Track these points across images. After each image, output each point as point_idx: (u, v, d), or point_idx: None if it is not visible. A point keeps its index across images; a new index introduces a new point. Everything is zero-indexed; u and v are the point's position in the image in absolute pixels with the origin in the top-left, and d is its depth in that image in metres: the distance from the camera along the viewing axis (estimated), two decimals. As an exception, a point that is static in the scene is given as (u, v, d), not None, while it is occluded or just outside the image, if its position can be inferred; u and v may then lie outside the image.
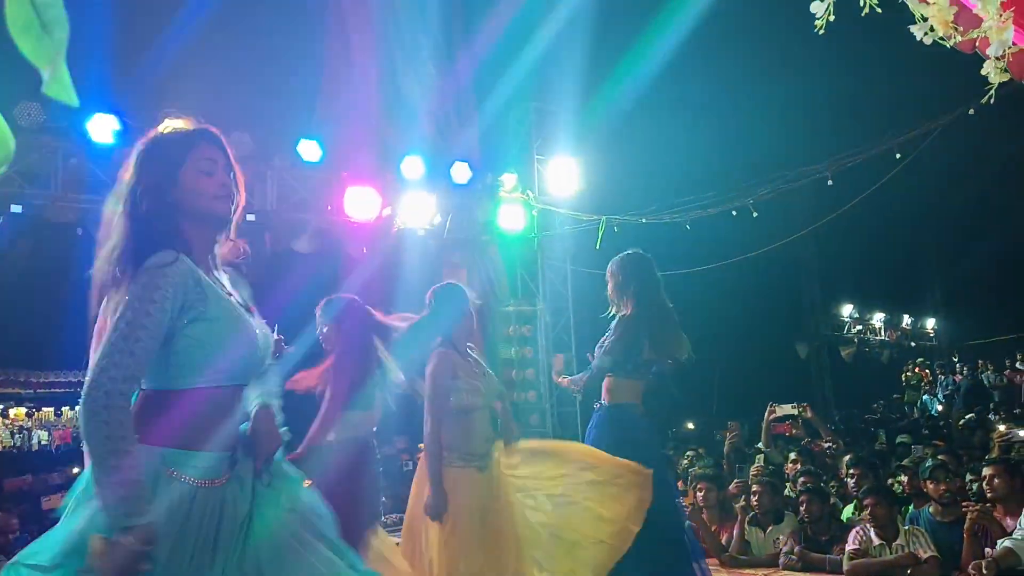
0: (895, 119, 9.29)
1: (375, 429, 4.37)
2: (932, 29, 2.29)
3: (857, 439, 11.01)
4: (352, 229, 9.20)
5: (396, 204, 9.44)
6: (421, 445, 4.33)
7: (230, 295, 2.07)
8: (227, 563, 1.86)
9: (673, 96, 13.70)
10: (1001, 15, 2.15)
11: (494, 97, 9.80)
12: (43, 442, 11.61)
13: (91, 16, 6.92)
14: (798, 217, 12.04)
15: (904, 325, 25.91)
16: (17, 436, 11.71)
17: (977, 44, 2.31)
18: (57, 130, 7.45)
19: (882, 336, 25.07)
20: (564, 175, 10.62)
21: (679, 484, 7.22)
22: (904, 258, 23.99)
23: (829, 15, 2.31)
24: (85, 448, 1.79)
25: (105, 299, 1.94)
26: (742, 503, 6.11)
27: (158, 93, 7.86)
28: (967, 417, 11.63)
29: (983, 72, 2.32)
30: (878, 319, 25.06)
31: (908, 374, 18.91)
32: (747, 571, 5.66)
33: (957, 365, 19.28)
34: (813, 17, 2.34)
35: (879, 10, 2.25)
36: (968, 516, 4.82)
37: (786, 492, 6.43)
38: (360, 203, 9.06)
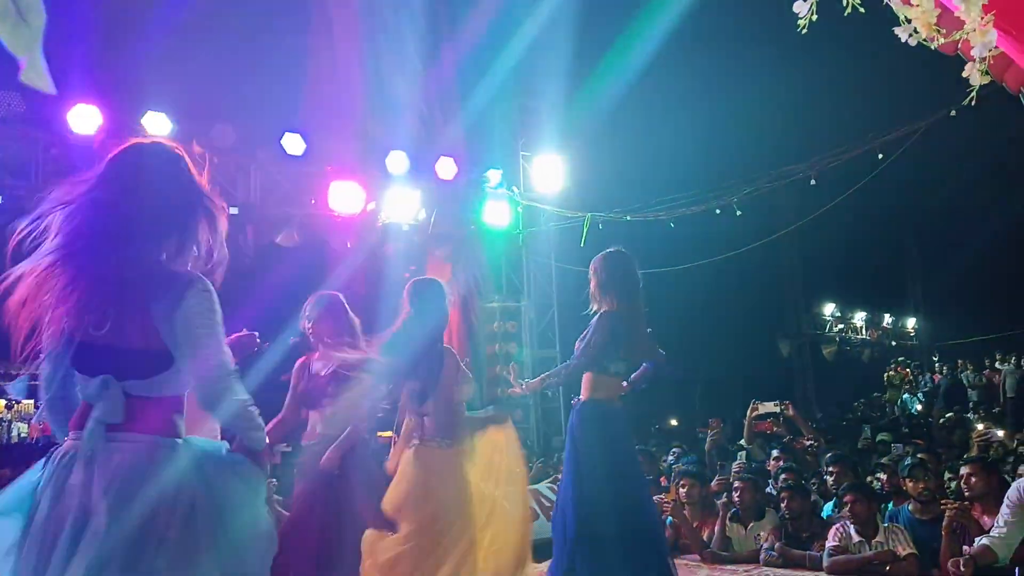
0: (877, 120, 9.35)
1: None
2: (916, 31, 2.30)
3: (838, 437, 11.09)
4: (336, 223, 9.17)
5: (381, 199, 9.42)
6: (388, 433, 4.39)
7: None
8: None
9: (658, 95, 13.72)
10: (983, 18, 2.17)
11: (479, 93, 9.78)
12: (22, 434, 11.49)
13: (73, 6, 6.85)
14: (781, 216, 12.10)
15: (885, 324, 26.12)
16: (-5, 429, 11.59)
17: (959, 46, 2.33)
18: (38, 121, 7.38)
19: (863, 335, 25.26)
20: (549, 172, 10.63)
21: (662, 480, 7.26)
22: (886, 258, 24.18)
23: (812, 15, 2.32)
24: None
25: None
26: (724, 500, 6.15)
27: (140, 85, 7.80)
28: (946, 416, 11.75)
29: (964, 75, 2.34)
30: (859, 318, 25.25)
31: (891, 373, 19.06)
32: (728, 567, 5.69)
33: (936, 364, 19.47)
34: (796, 17, 2.35)
35: (862, 10, 2.26)
36: (947, 514, 4.86)
37: (768, 489, 6.47)
38: (344, 197, 9.02)
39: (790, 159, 9.32)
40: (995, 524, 4.57)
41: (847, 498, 5.34)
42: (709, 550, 5.95)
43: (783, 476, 6.16)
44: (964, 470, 5.20)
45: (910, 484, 5.40)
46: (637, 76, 10.18)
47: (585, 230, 9.95)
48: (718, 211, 9.47)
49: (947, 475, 6.08)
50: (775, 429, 8.37)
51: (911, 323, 26.23)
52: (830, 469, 6.29)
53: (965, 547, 4.61)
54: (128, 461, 1.95)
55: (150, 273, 2.05)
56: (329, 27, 9.42)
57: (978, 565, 4.34)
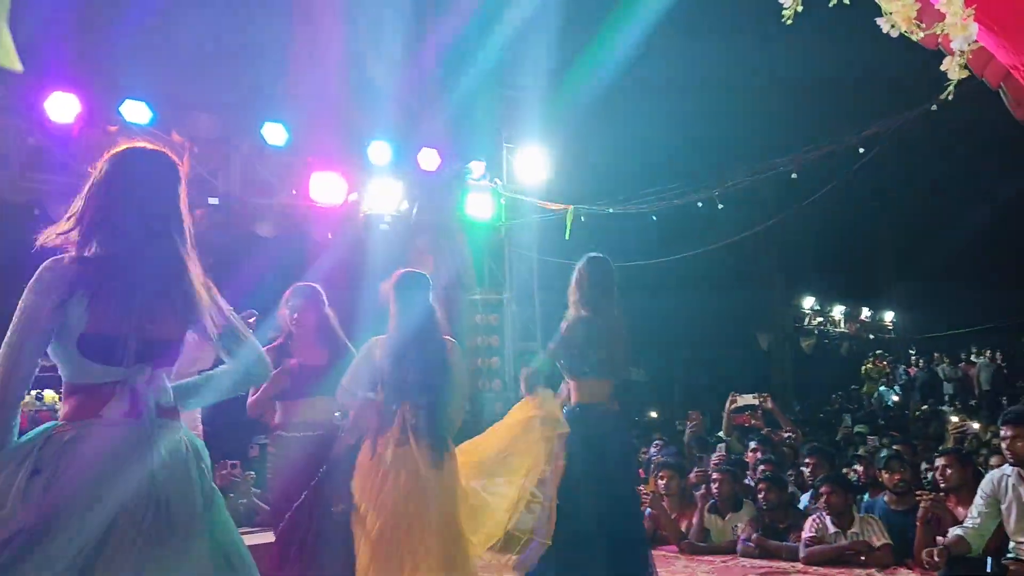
0: (858, 114, 9.42)
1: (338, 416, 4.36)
2: (896, 24, 2.32)
3: (816, 429, 11.19)
4: (317, 214, 9.12)
5: (362, 189, 9.37)
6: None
7: None
8: None
9: (641, 88, 13.75)
10: (964, 11, 2.18)
11: (463, 83, 9.75)
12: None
13: (51, -8, 6.75)
14: (762, 209, 12.16)
15: (863, 317, 26.37)
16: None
17: (940, 39, 2.34)
18: (15, 109, 7.27)
19: (842, 328, 25.49)
20: (532, 164, 10.61)
21: (640, 472, 7.31)
22: (864, 252, 24.40)
23: (797, 5, 2.33)
24: None
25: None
26: (702, 491, 6.20)
27: (119, 73, 7.70)
28: (922, 408, 11.90)
29: (943, 68, 2.36)
30: (838, 311, 25.48)
31: (868, 366, 19.27)
32: (706, 558, 5.74)
33: (913, 357, 19.69)
34: (780, 9, 2.36)
35: (846, 1, 2.27)
36: (921, 505, 4.93)
37: (746, 481, 6.52)
38: (326, 188, 8.97)
39: (771, 153, 9.36)
40: (968, 515, 4.64)
41: (823, 489, 5.41)
42: (687, 541, 6.00)
43: (761, 468, 6.22)
44: (940, 462, 5.27)
45: (886, 476, 5.47)
46: (621, 69, 10.18)
47: (568, 223, 9.95)
48: (700, 204, 9.50)
49: (923, 466, 6.17)
50: (753, 422, 8.44)
51: (889, 316, 26.49)
52: (807, 461, 6.36)
53: (939, 537, 4.68)
54: (174, 444, 2.11)
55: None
56: (312, 16, 9.34)
57: (951, 554, 4.40)
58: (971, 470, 5.24)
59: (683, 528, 6.17)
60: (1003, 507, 4.49)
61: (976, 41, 2.24)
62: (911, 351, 21.14)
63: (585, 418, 4.12)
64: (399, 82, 9.68)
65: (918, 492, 5.20)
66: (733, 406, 8.27)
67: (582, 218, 10.05)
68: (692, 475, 6.67)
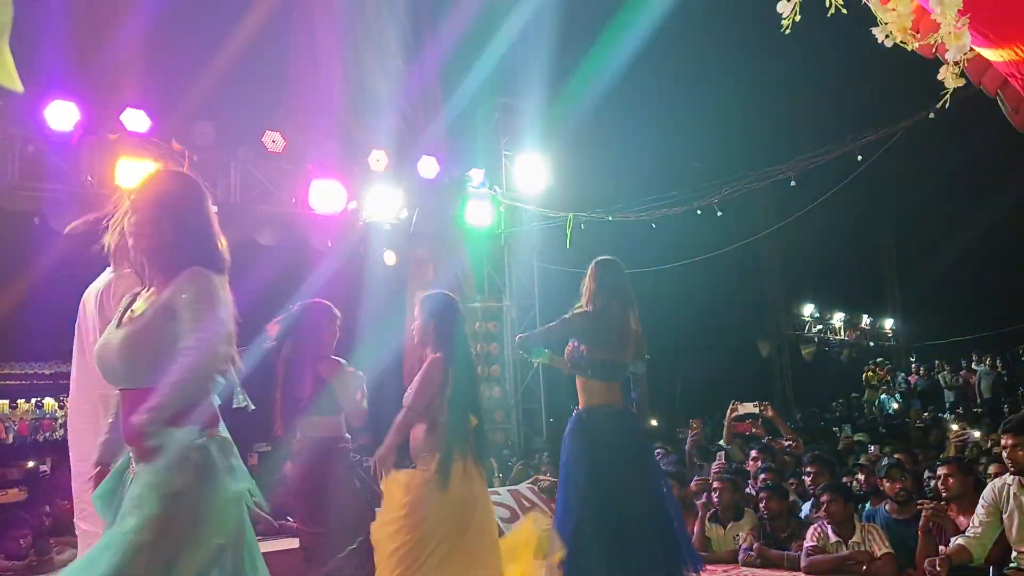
0: (857, 122, 9.42)
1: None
2: (891, 34, 2.32)
3: (816, 438, 11.16)
4: (317, 222, 9.12)
5: (362, 197, 9.38)
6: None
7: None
8: None
9: (640, 96, 13.77)
10: (958, 21, 2.18)
11: (462, 92, 9.78)
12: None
13: (51, 1, 6.77)
14: (761, 217, 12.17)
15: (863, 325, 26.30)
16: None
17: (936, 48, 2.34)
18: (15, 117, 7.28)
19: (842, 336, 25.43)
20: (532, 171, 10.63)
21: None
22: (864, 259, 24.36)
23: (795, 15, 2.33)
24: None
25: None
26: (703, 500, 6.17)
27: (119, 81, 7.72)
28: (923, 416, 11.86)
29: (939, 77, 2.36)
30: (838, 319, 25.40)
31: (869, 374, 19.22)
32: (707, 567, 5.71)
33: (913, 365, 19.64)
34: (779, 18, 2.36)
35: (844, 11, 2.27)
36: (923, 514, 4.91)
37: (747, 489, 6.50)
38: (325, 196, 8.98)
39: (771, 160, 9.38)
40: (970, 524, 4.62)
41: (824, 498, 5.38)
42: (688, 550, 5.96)
43: (762, 476, 6.19)
44: (941, 470, 5.25)
45: (887, 484, 5.44)
46: (619, 76, 10.20)
47: (568, 230, 9.96)
48: (699, 212, 9.51)
49: (925, 475, 6.14)
50: (754, 430, 8.42)
51: (889, 324, 26.44)
52: (808, 469, 6.32)
53: (941, 547, 4.66)
54: None
55: None
56: (311, 25, 9.37)
57: (953, 564, 4.38)
58: (973, 479, 5.22)
59: (683, 537, 6.14)
60: (1004, 516, 4.47)
61: (972, 49, 2.24)
62: (911, 359, 21.08)
63: (590, 422, 4.13)
64: (398, 91, 9.71)
65: (919, 501, 5.17)
66: (734, 414, 8.25)
67: (582, 226, 10.06)
68: (693, 484, 6.64)
